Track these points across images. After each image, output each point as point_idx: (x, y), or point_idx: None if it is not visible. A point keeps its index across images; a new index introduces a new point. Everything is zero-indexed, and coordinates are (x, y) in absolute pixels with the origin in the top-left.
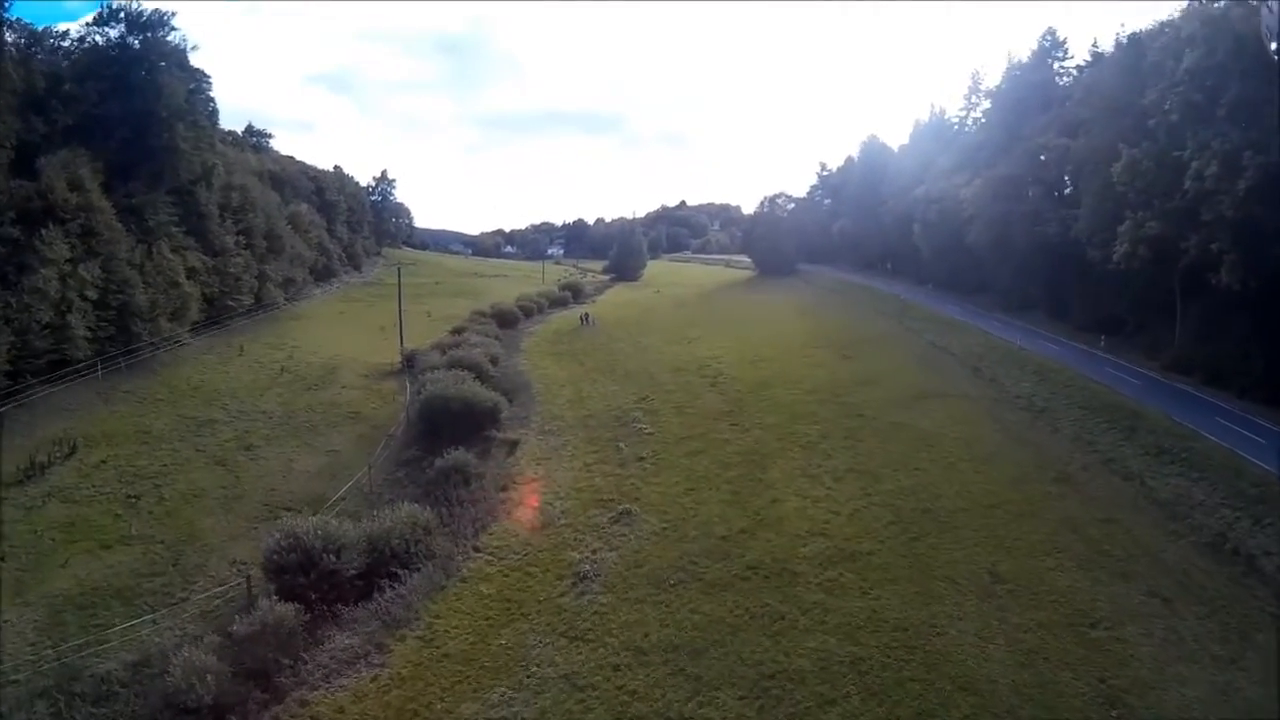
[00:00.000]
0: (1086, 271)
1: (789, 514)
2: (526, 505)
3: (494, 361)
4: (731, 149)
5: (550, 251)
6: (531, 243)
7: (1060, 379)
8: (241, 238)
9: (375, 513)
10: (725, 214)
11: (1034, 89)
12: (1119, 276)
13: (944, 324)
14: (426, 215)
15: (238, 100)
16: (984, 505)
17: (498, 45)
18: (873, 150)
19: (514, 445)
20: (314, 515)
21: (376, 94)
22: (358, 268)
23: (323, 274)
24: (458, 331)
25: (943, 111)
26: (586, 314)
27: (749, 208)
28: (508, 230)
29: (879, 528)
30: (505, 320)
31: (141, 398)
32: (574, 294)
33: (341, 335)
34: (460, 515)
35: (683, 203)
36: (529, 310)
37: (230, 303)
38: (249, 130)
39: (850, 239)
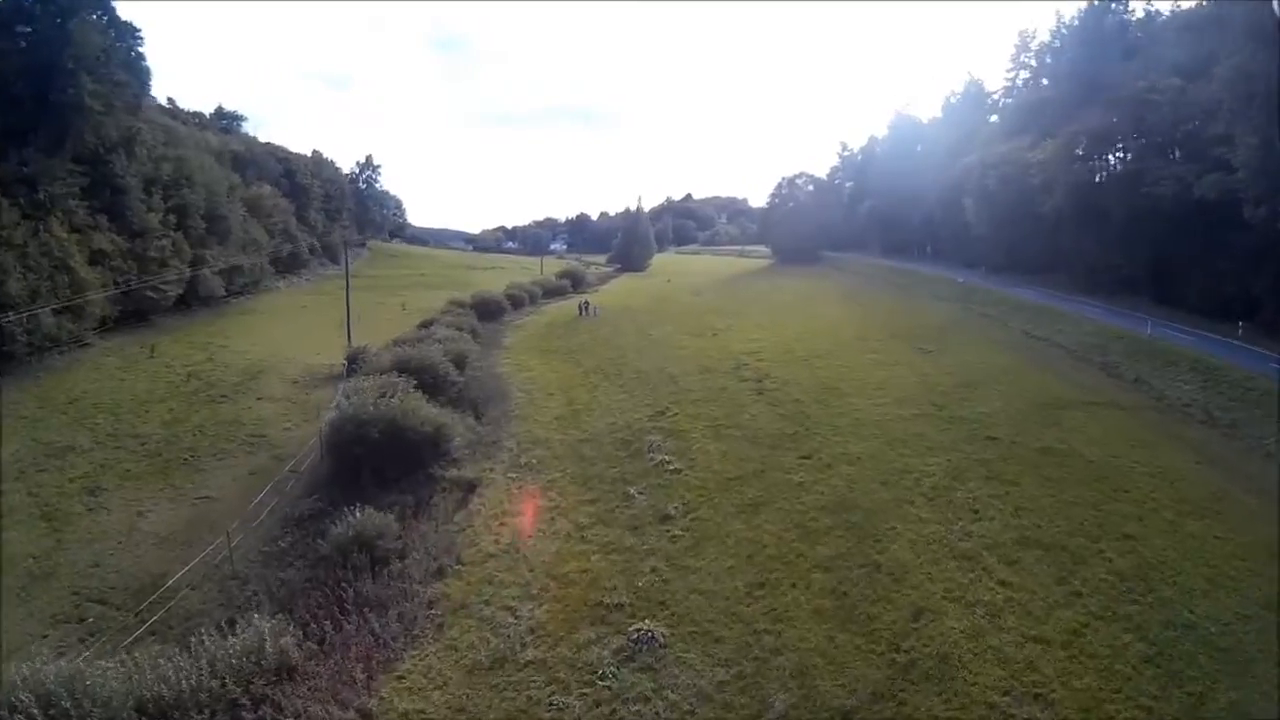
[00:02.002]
0: (1216, 242)
1: (955, 648)
2: (465, 617)
3: (459, 363)
4: (737, 142)
5: (553, 246)
6: (533, 238)
7: (1229, 380)
8: (172, 217)
9: (216, 628)
10: (733, 206)
11: (1111, 34)
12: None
13: (1029, 309)
14: (426, 214)
15: (232, 95)
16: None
17: (494, 41)
18: (903, 126)
19: (469, 490)
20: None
21: (373, 90)
22: (335, 259)
23: (289, 264)
24: (427, 325)
25: (980, 81)
26: (586, 302)
27: (756, 201)
28: (509, 227)
29: (1131, 675)
30: (487, 311)
31: None
32: (573, 282)
33: (292, 332)
34: (351, 642)
35: (688, 196)
36: (518, 300)
37: (151, 294)
38: (218, 112)
39: (880, 220)
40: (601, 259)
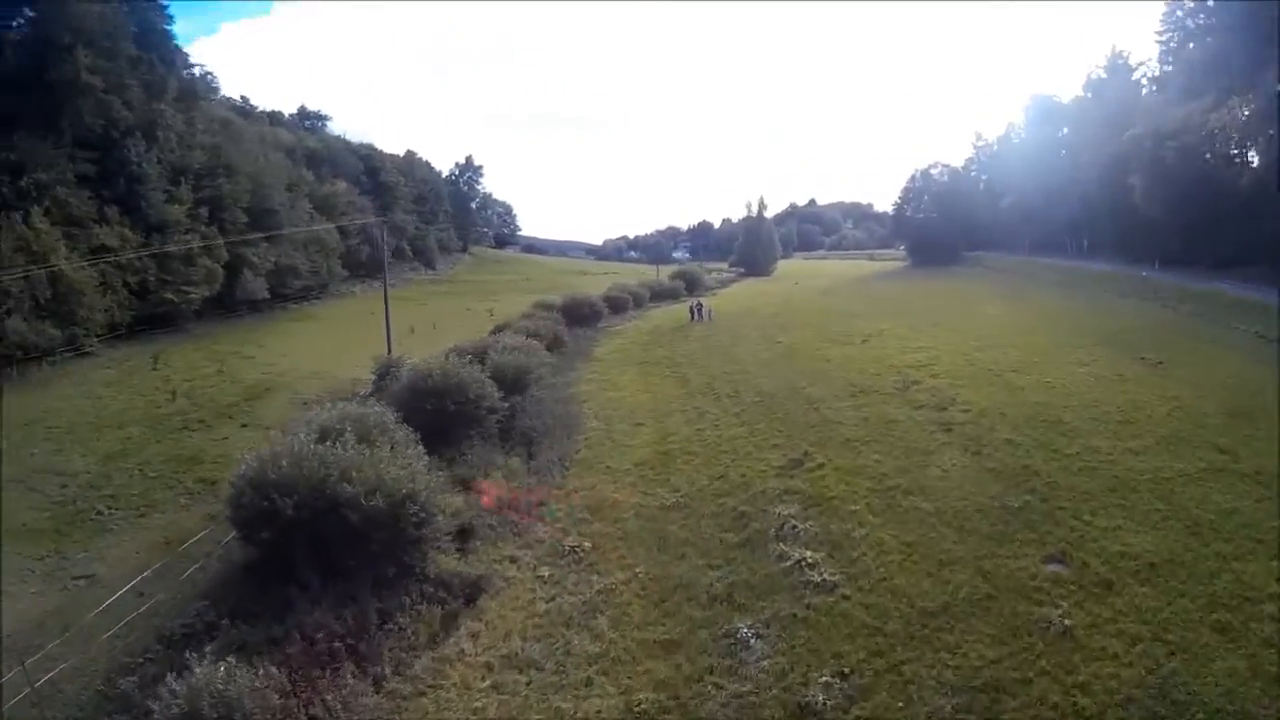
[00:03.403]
0: None
1: None
2: None
3: (516, 380)
4: (862, 146)
5: (675, 255)
6: (654, 246)
7: None
8: (204, 210)
9: None
10: (858, 211)
11: None
12: None
13: (1248, 307)
14: (549, 225)
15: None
16: None
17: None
18: (1042, 109)
19: (467, 600)
20: None
21: (500, 104)
22: (429, 264)
23: (370, 266)
24: (500, 330)
25: (1124, 53)
26: (699, 303)
27: (881, 205)
28: (631, 236)
29: None
30: (579, 315)
31: None
32: (688, 285)
33: (343, 341)
34: None
35: (812, 201)
36: (620, 303)
37: (172, 296)
38: (301, 112)
39: (1024, 214)
40: (723, 265)
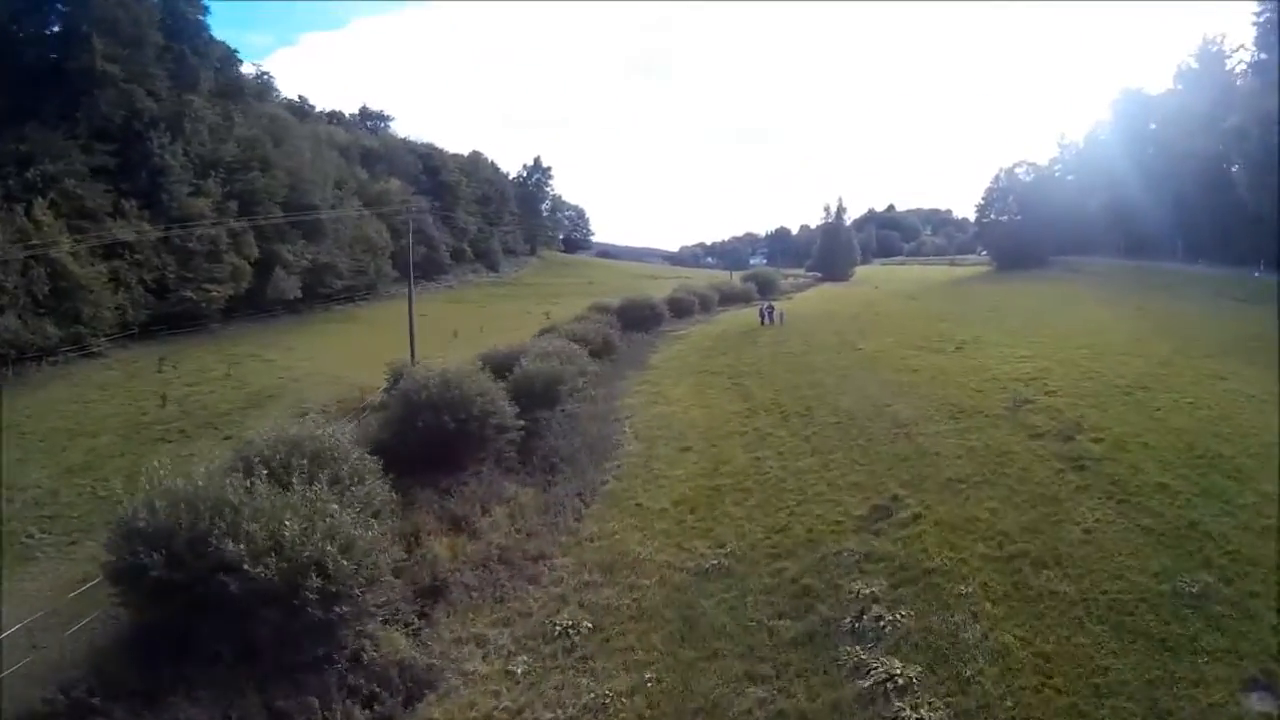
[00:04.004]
0: None
1: None
2: None
3: (545, 391)
4: (940, 151)
5: (752, 261)
6: (731, 252)
7: None
8: (234, 204)
9: None
10: (936, 217)
11: None
12: None
13: None
14: (627, 233)
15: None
16: None
17: (694, 60)
18: (1130, 103)
19: (404, 703)
20: None
21: (582, 116)
22: (493, 266)
23: (426, 268)
24: (547, 332)
25: (1216, 38)
26: (770, 306)
27: (960, 211)
28: (709, 243)
29: None
30: (638, 318)
31: None
32: (761, 288)
33: (376, 345)
34: None
35: (891, 207)
36: (684, 306)
37: (190, 294)
38: (363, 112)
39: (1115, 215)
40: (800, 271)
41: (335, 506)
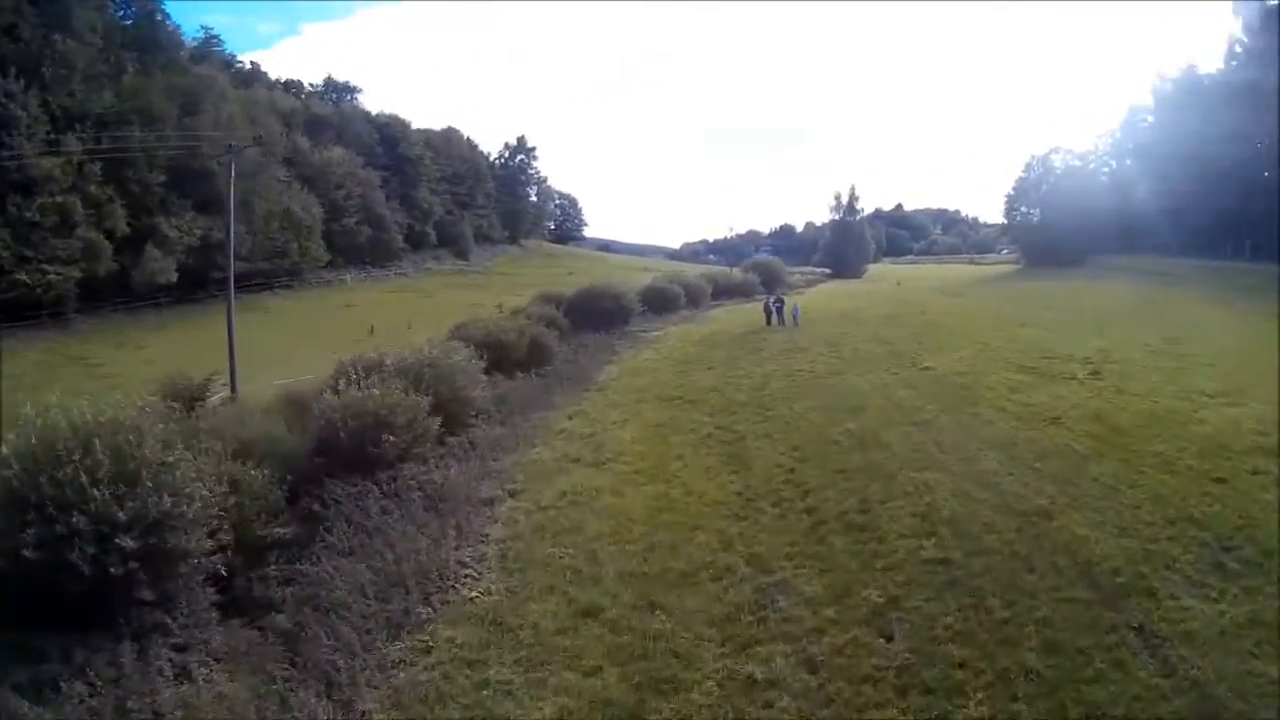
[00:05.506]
0: None
1: None
2: None
3: (359, 449)
4: (949, 150)
5: (755, 257)
6: (734, 249)
7: None
8: (96, 168)
9: None
10: (945, 217)
11: None
12: None
13: None
14: (630, 230)
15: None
16: None
17: (696, 56)
18: (1176, 86)
19: None
20: None
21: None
22: (461, 254)
23: (375, 252)
24: (460, 329)
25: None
26: (779, 300)
27: (969, 211)
28: (710, 240)
29: None
30: (598, 315)
31: None
32: (765, 280)
33: (258, 344)
34: None
35: (899, 206)
36: (667, 299)
37: (23, 277)
38: (328, 83)
39: (1164, 209)
40: (806, 268)
41: None
